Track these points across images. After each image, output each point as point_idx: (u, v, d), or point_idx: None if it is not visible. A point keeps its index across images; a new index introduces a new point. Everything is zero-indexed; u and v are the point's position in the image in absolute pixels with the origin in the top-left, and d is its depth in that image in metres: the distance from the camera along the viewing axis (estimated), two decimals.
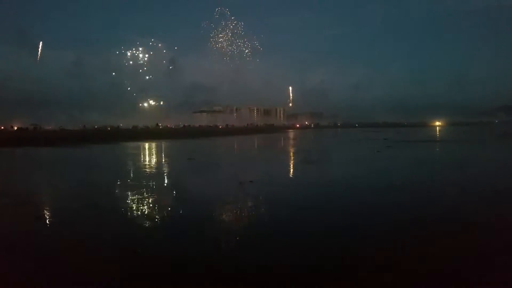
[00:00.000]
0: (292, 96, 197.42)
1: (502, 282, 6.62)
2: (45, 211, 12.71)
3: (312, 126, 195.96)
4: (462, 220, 10.73)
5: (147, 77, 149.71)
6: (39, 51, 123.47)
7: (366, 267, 7.27)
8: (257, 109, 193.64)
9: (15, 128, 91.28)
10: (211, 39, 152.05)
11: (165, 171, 25.06)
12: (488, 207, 12.23)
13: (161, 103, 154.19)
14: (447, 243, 8.60)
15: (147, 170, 24.95)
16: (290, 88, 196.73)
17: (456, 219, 10.85)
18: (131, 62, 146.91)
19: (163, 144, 59.29)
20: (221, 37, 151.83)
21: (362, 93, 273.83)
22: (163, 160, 34.32)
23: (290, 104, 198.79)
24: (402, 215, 11.35)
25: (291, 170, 23.55)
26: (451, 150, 39.63)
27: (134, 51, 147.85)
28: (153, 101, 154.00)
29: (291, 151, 41.74)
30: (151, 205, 13.18)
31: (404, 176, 20.35)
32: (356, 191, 15.55)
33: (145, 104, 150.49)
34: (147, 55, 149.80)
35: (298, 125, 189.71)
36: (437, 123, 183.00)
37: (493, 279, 6.71)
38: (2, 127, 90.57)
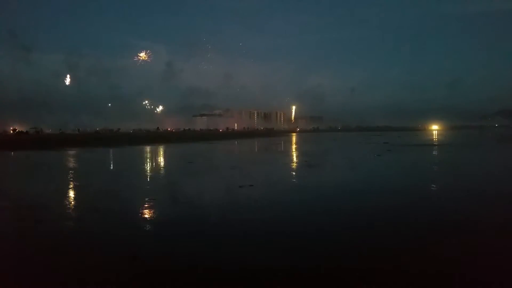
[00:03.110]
0: (295, 114, 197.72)
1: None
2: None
3: (312, 129, 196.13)
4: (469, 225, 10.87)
5: (147, 81, 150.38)
6: None
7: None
8: (257, 112, 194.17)
9: (16, 131, 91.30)
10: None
11: (168, 174, 25.21)
12: (490, 210, 12.37)
13: (161, 107, 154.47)
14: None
15: (151, 173, 25.10)
16: (293, 107, 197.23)
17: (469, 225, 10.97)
18: (131, 66, 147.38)
19: (164, 148, 59.40)
20: None
21: (362, 97, 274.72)
22: (165, 163, 34.45)
23: (293, 121, 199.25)
24: (406, 220, 11.48)
25: (292, 174, 23.65)
26: (452, 154, 39.74)
27: (135, 55, 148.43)
28: (153, 105, 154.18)
29: (292, 155, 41.87)
30: (152, 207, 13.28)
31: (406, 179, 20.49)
32: (358, 196, 15.64)
33: (145, 108, 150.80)
34: (147, 59, 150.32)
35: (298, 129, 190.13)
36: (436, 127, 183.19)
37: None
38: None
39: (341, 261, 7.83)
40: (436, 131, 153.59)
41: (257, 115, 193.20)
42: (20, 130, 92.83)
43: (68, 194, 16.96)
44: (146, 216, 11.97)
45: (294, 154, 42.40)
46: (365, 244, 8.90)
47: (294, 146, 61.22)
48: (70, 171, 26.85)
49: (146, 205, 13.49)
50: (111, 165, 34.32)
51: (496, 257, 7.95)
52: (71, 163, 35.60)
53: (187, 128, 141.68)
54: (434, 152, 42.74)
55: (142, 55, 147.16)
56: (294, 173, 23.64)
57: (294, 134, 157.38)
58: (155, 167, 30.01)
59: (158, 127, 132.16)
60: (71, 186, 19.43)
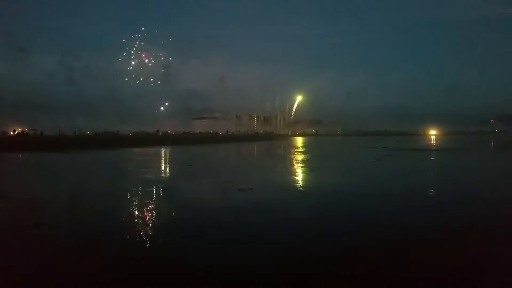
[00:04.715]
0: (294, 116, 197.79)
1: None
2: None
3: (312, 133, 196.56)
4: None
5: (146, 83, 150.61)
6: None
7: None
8: (257, 116, 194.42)
9: (22, 132, 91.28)
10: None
11: (167, 176, 25.27)
12: (488, 216, 12.43)
13: (161, 109, 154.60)
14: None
15: (151, 176, 25.14)
16: (297, 100, 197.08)
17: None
18: (130, 68, 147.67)
19: (164, 150, 59.48)
20: None
21: (361, 101, 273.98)
22: (165, 166, 34.54)
23: (292, 116, 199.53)
24: (406, 223, 11.55)
25: (291, 178, 23.69)
26: (452, 159, 39.83)
27: (134, 57, 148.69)
28: (153, 107, 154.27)
29: (291, 159, 41.93)
30: (150, 209, 13.32)
31: (405, 184, 20.55)
32: (358, 200, 15.66)
33: (145, 111, 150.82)
34: (146, 61, 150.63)
35: (298, 133, 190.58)
36: (435, 132, 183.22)
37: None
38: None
39: (341, 264, 7.90)
40: (434, 136, 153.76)
41: (256, 118, 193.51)
42: (20, 132, 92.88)
43: (72, 195, 17.03)
44: (144, 219, 12.02)
45: (294, 158, 42.43)
46: (364, 248, 8.96)
47: (293, 150, 61.27)
48: (82, 173, 26.89)
49: (144, 208, 13.53)
50: (113, 167, 34.31)
51: (495, 262, 8.03)
52: (81, 164, 35.67)
53: (186, 131, 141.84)
54: (433, 157, 42.82)
55: (147, 59, 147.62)
56: (293, 177, 23.69)
57: (294, 137, 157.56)
58: (155, 169, 30.03)
59: (157, 130, 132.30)
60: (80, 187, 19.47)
